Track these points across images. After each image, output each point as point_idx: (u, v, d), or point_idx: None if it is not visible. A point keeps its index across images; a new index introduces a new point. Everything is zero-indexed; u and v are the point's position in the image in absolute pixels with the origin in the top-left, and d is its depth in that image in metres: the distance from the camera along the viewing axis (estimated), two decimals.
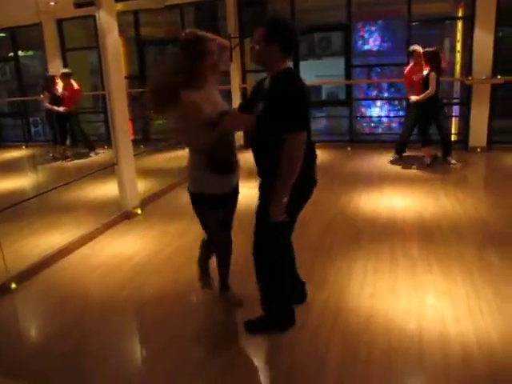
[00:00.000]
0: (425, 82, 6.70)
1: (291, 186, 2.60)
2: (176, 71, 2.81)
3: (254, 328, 3.07)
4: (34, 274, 4.10)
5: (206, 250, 3.45)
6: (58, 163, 8.76)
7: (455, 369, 2.61)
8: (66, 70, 9.03)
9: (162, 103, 2.91)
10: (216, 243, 3.25)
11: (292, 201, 2.65)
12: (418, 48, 7.02)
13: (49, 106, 8.81)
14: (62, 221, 5.51)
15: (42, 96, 8.91)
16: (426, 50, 6.77)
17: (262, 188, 2.86)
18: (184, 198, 6.12)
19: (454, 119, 8.97)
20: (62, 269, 4.25)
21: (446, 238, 4.39)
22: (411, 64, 7.19)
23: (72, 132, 9.12)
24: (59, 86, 8.86)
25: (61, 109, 8.69)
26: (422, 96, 6.71)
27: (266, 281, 2.95)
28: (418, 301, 3.31)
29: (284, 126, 2.53)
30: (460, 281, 3.55)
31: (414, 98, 6.90)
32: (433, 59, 6.65)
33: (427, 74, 6.66)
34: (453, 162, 7.12)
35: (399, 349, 2.80)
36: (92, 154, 9.15)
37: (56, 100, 8.74)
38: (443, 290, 3.44)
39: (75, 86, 8.89)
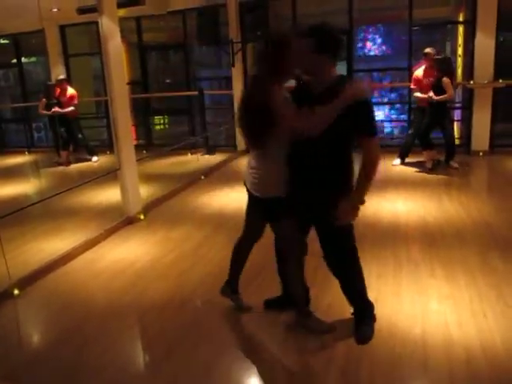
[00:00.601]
0: (435, 86, 6.71)
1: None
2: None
3: (271, 305, 3.35)
4: (36, 280, 4.10)
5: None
6: (61, 168, 8.79)
7: (459, 373, 2.60)
8: (60, 77, 9.12)
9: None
10: (293, 249, 3.02)
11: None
12: (431, 51, 6.98)
13: (43, 112, 8.97)
14: (65, 226, 5.52)
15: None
16: (436, 57, 6.78)
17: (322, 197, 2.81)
18: (188, 203, 6.20)
19: (456, 123, 8.96)
20: (64, 274, 4.26)
21: (450, 242, 4.38)
22: (424, 66, 7.09)
23: (73, 138, 9.13)
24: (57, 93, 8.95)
25: (55, 109, 8.75)
26: (441, 97, 6.65)
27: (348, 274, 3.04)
28: (422, 305, 3.30)
29: (368, 131, 2.67)
30: (463, 285, 3.54)
31: (433, 95, 6.71)
32: (442, 65, 6.68)
33: (439, 80, 6.66)
34: (455, 165, 7.11)
35: (403, 353, 2.79)
36: (93, 160, 9.16)
37: (52, 106, 8.82)
38: (446, 294, 3.43)
39: (70, 91, 8.91)
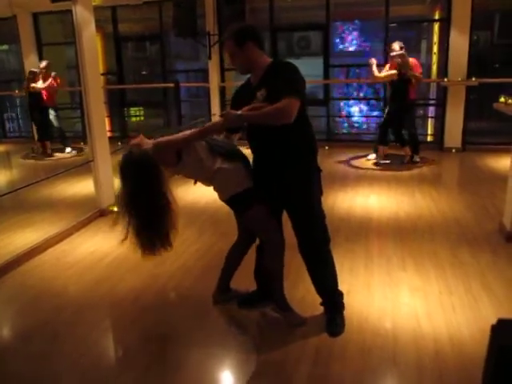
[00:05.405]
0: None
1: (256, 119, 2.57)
2: None
3: (246, 303, 3.30)
4: (7, 272, 4.02)
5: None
6: (34, 160, 8.63)
7: (427, 365, 2.65)
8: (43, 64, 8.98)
9: None
10: (271, 236, 2.99)
11: (315, 193, 2.85)
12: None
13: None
14: (37, 218, 5.42)
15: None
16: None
17: (284, 179, 2.81)
18: None
19: (429, 120, 9.08)
20: (36, 266, 4.19)
21: (421, 237, 4.45)
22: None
23: (51, 127, 8.98)
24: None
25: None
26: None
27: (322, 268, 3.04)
28: (393, 298, 3.35)
29: (286, 89, 2.51)
30: (433, 278, 3.61)
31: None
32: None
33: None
34: (417, 159, 7.25)
35: (373, 345, 2.83)
36: (67, 151, 9.02)
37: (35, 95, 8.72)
38: (417, 286, 3.49)
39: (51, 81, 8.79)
